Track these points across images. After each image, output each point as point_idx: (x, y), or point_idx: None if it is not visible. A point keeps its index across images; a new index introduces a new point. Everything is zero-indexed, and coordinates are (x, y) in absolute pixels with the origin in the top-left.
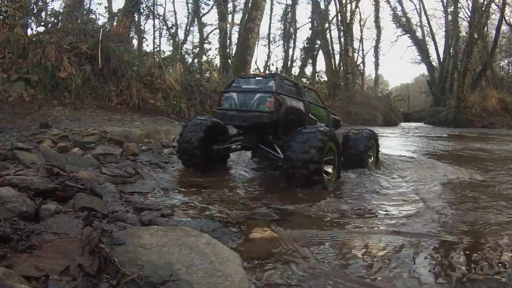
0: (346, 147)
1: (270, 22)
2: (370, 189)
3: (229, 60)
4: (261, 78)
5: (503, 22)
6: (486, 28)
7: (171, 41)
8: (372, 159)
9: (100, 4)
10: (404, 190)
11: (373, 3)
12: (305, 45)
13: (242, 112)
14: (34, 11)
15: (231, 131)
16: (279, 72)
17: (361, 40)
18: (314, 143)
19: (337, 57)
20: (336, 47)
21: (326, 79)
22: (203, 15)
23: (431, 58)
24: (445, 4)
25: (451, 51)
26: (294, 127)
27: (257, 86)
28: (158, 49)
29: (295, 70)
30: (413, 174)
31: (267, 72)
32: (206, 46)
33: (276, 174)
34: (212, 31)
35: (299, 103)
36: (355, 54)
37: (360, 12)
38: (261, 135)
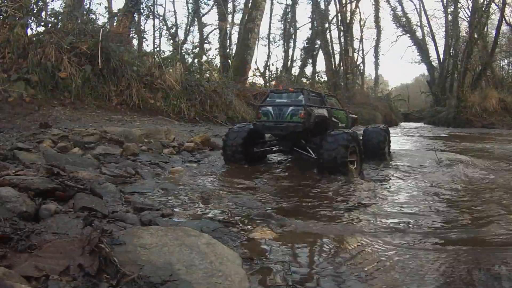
0: (366, 140)
1: (270, 22)
2: (378, 183)
3: (229, 60)
4: (291, 93)
5: (503, 22)
6: (486, 28)
7: (171, 41)
8: (386, 149)
9: (100, 4)
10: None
11: (373, 3)
12: (305, 45)
13: (278, 123)
14: (34, 11)
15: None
16: (279, 72)
17: (361, 40)
18: (341, 142)
19: (337, 57)
20: (336, 47)
21: (326, 79)
22: (203, 15)
23: (431, 58)
24: (445, 4)
25: (451, 51)
26: (321, 130)
27: (288, 100)
28: (158, 49)
29: (295, 70)
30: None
31: (266, 72)
32: (206, 46)
33: (278, 172)
34: (212, 31)
35: (323, 110)
36: (355, 54)
37: (360, 12)
38: (295, 140)
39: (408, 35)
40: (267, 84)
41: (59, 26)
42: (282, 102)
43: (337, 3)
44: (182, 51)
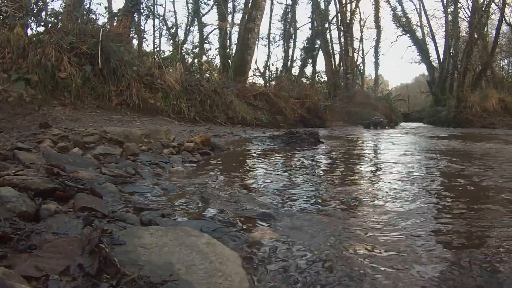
0: None
1: (270, 22)
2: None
3: (229, 60)
4: None
5: (503, 22)
6: (486, 28)
7: (171, 41)
8: None
9: (100, 4)
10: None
11: (373, 3)
12: (305, 45)
13: None
14: (34, 11)
15: None
16: (279, 72)
17: (361, 40)
18: None
19: (337, 57)
20: (336, 47)
21: (326, 79)
22: (203, 15)
23: (431, 58)
24: (445, 4)
25: (451, 51)
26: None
27: None
28: (158, 49)
29: (295, 70)
30: None
31: (266, 72)
32: (206, 46)
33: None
34: (212, 31)
35: None
36: (355, 54)
37: (360, 12)
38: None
39: (408, 35)
40: (267, 84)
41: (59, 26)
42: None
43: (337, 3)
44: (182, 51)
